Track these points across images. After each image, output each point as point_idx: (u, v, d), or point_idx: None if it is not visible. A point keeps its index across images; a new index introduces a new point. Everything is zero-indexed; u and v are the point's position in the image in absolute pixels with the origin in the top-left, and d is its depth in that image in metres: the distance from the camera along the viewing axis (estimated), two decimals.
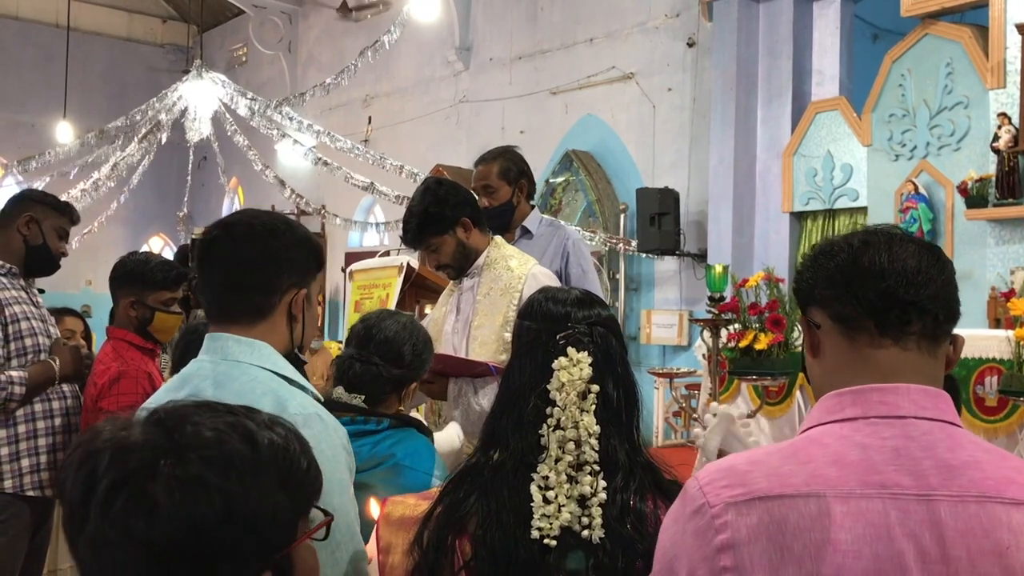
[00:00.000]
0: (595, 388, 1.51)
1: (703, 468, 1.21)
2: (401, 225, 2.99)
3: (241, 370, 1.60)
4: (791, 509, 1.09)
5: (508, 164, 3.45)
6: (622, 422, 1.53)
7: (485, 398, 2.77)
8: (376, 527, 1.64)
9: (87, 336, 3.73)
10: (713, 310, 4.03)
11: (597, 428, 1.49)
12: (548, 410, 1.50)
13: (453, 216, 2.88)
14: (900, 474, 1.12)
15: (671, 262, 9.00)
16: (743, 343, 4.09)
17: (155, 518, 0.87)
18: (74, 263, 13.34)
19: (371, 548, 1.62)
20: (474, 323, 2.92)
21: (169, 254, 16.57)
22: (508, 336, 2.82)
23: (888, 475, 1.12)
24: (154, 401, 1.68)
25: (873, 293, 1.19)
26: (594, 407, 1.50)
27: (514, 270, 2.88)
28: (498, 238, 3.05)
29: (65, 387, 3.04)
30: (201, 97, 10.78)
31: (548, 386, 1.51)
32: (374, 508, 1.63)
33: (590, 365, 1.52)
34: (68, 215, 3.14)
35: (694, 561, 1.12)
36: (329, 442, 1.55)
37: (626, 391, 1.56)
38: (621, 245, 9.00)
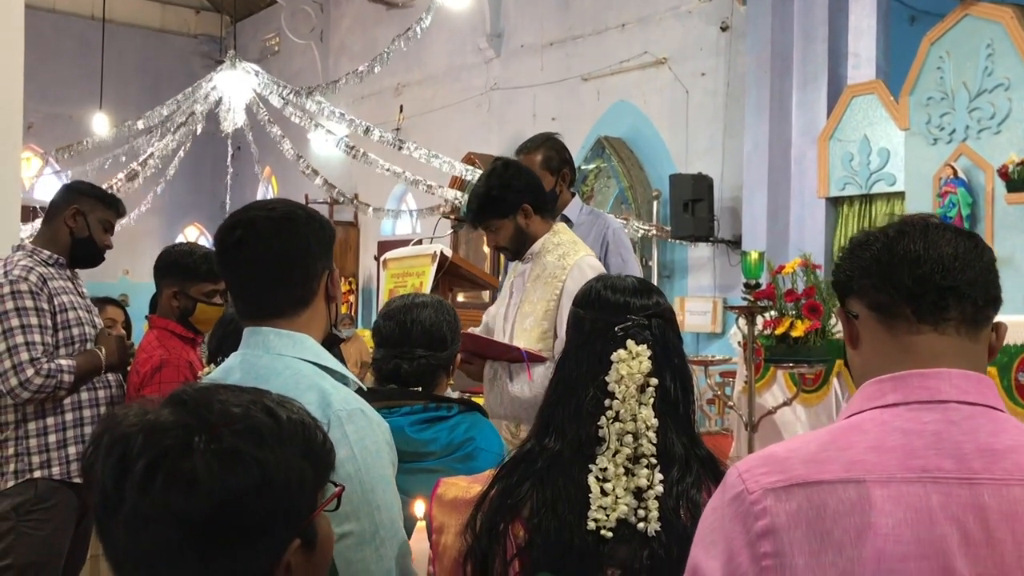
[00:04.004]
0: (653, 382, 1.52)
1: (744, 457, 1.21)
2: (465, 203, 3.00)
3: (284, 363, 1.61)
4: (830, 495, 1.09)
5: (551, 153, 3.43)
6: (679, 414, 1.54)
7: (517, 384, 2.78)
8: (429, 507, 1.66)
9: (127, 325, 3.78)
10: (749, 297, 4.01)
11: (655, 422, 1.50)
12: (607, 402, 1.51)
13: (515, 201, 2.88)
14: (941, 458, 1.11)
15: (705, 249, 8.96)
16: (779, 330, 4.08)
17: (195, 493, 0.90)
18: (111, 253, 13.47)
19: (419, 544, 1.62)
20: (522, 309, 2.93)
21: (206, 243, 16.75)
22: (547, 325, 2.82)
23: (929, 459, 1.11)
24: None
25: (909, 279, 1.19)
26: (652, 400, 1.51)
27: (561, 259, 2.87)
28: (559, 225, 3.02)
29: (110, 376, 3.08)
30: (235, 87, 10.87)
31: (606, 378, 1.52)
32: (419, 508, 1.64)
33: (649, 359, 1.52)
34: (115, 208, 3.17)
35: (734, 547, 1.12)
36: (373, 438, 1.56)
37: (683, 383, 1.57)
38: (654, 232, 8.96)
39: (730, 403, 4.54)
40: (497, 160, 3.13)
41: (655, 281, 9.24)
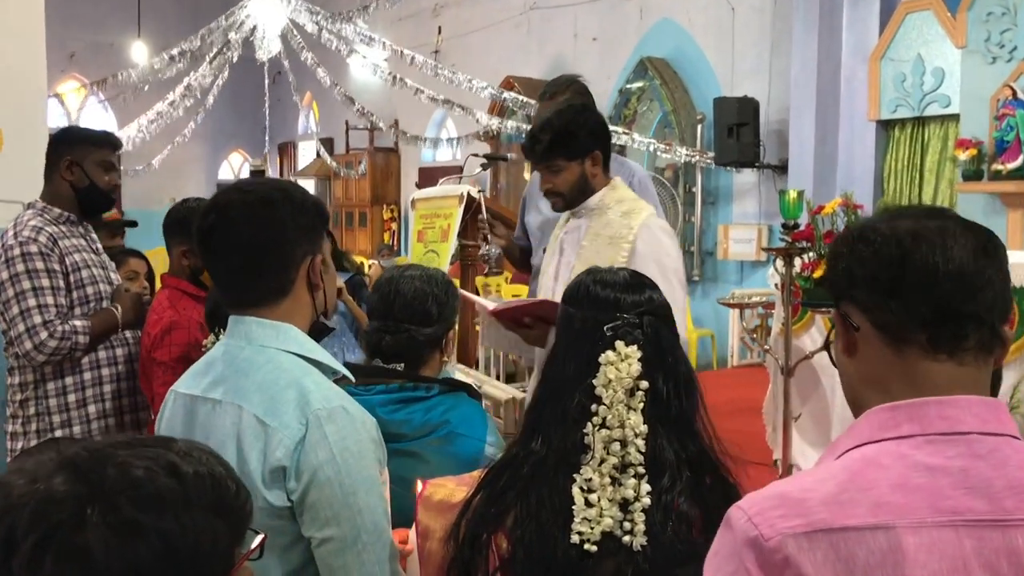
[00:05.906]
0: (644, 385, 1.41)
1: (747, 497, 1.10)
2: (528, 134, 2.79)
3: (267, 357, 1.54)
4: (859, 544, 0.99)
5: (575, 97, 3.29)
6: (671, 417, 1.44)
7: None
8: (415, 509, 1.60)
9: (150, 277, 3.75)
10: (787, 238, 3.84)
11: (644, 428, 1.40)
12: (593, 407, 1.41)
13: (589, 144, 2.70)
14: (971, 498, 1.01)
15: (750, 175, 8.70)
16: (818, 273, 3.92)
17: (89, 571, 0.83)
18: (158, 180, 13.64)
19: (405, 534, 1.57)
20: (575, 267, 2.76)
21: (247, 171, 16.72)
22: None
23: (959, 499, 1.01)
24: (181, 385, 1.65)
25: (925, 306, 1.07)
26: (642, 405, 1.41)
27: (626, 217, 2.70)
28: (616, 179, 2.85)
29: (128, 333, 3.06)
30: (268, 14, 10.67)
31: (594, 381, 1.42)
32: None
33: (639, 360, 1.42)
34: (108, 145, 3.01)
35: None
36: (355, 437, 1.49)
37: (676, 383, 1.46)
38: (698, 157, 8.71)
39: (766, 347, 4.42)
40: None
41: (698, 208, 9.02)
